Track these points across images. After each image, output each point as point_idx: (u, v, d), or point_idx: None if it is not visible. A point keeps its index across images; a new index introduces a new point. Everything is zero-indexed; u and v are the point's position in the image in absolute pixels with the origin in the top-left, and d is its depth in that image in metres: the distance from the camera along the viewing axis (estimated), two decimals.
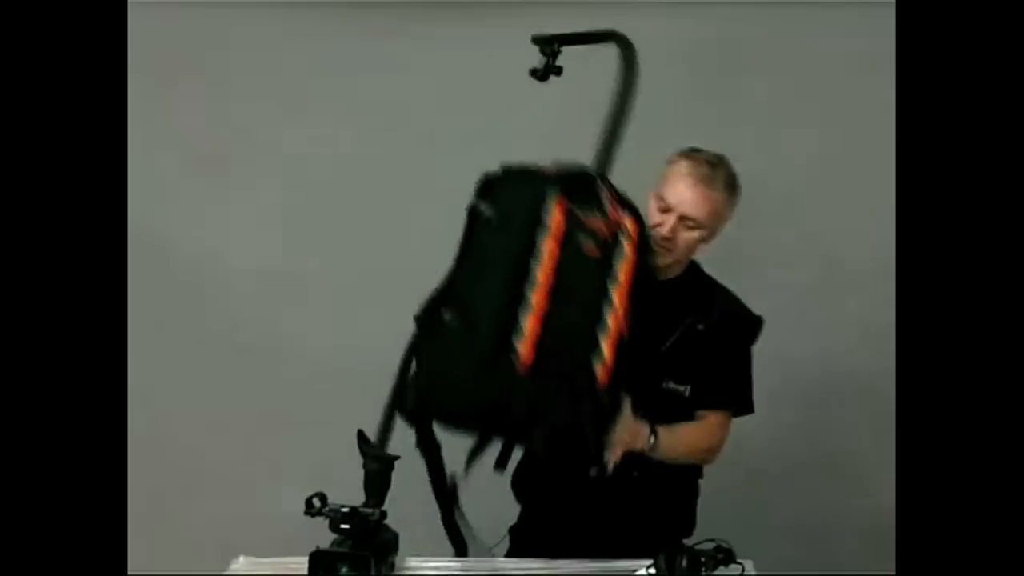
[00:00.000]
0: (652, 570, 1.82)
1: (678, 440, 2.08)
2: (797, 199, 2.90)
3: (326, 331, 2.98)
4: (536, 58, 2.89)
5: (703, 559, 1.79)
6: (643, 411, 2.02)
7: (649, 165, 2.90)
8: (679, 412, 2.11)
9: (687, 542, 1.84)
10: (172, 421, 3.00)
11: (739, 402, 2.18)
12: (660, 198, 2.07)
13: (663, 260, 2.07)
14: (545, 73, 2.12)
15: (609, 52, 2.90)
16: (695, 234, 2.07)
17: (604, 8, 2.85)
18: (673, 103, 2.89)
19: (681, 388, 2.10)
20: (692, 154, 2.10)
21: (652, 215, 2.07)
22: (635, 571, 1.88)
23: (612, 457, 1.95)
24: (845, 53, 2.84)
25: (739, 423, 3.07)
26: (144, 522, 2.56)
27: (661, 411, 2.07)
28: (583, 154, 2.91)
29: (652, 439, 2.03)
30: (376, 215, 2.93)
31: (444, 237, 2.94)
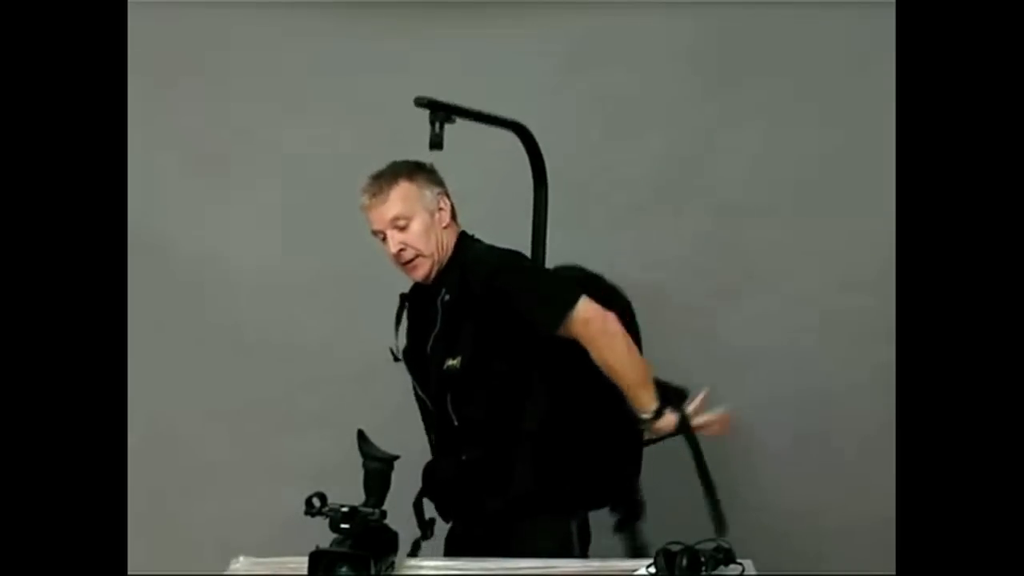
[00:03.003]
0: (652, 569, 1.82)
1: (623, 373, 2.04)
2: (797, 199, 2.90)
3: (326, 331, 2.98)
4: (536, 60, 2.91)
5: (703, 559, 1.79)
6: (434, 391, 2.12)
7: (650, 165, 2.92)
8: (466, 386, 2.11)
9: (687, 542, 1.83)
10: (172, 421, 3.00)
11: (560, 301, 2.05)
12: (375, 234, 2.17)
13: (420, 271, 2.16)
14: (433, 143, 2.15)
15: (609, 51, 2.91)
16: (415, 224, 2.14)
17: (604, 8, 2.86)
18: (673, 103, 2.90)
19: (454, 363, 2.10)
20: (363, 187, 2.18)
21: (387, 252, 2.17)
22: (635, 571, 1.88)
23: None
24: (845, 53, 2.84)
25: (739, 424, 3.08)
26: (144, 522, 2.56)
27: (455, 391, 2.11)
28: (583, 152, 2.92)
29: (668, 412, 2.06)
30: None
31: None
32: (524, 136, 2.29)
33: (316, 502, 1.86)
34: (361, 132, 2.89)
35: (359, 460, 1.93)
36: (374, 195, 2.14)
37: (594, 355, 2.04)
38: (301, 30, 2.89)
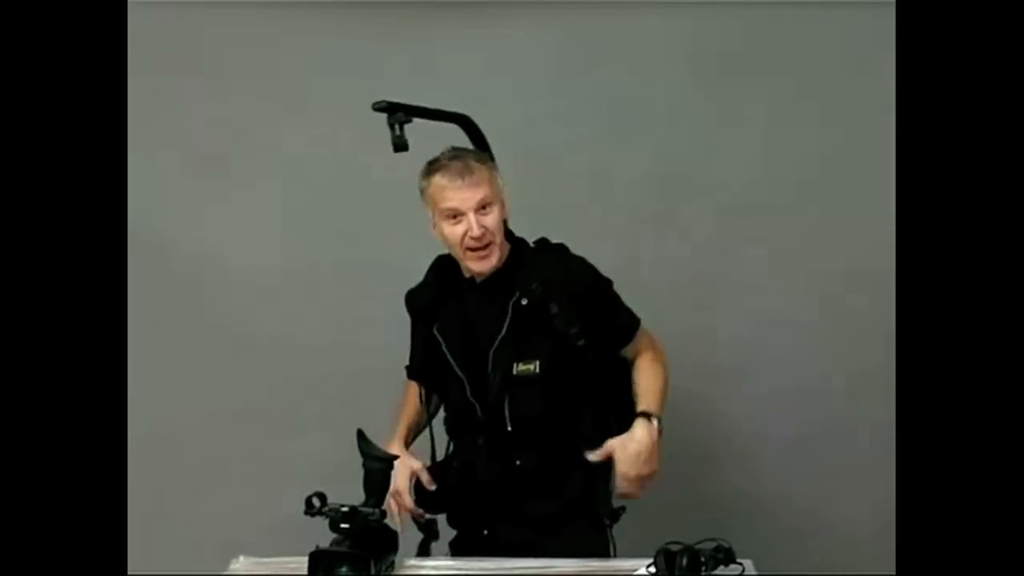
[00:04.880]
0: (652, 569, 1.82)
1: (654, 382, 2.15)
2: (797, 199, 2.90)
3: (326, 331, 2.98)
4: (535, 61, 2.91)
5: (703, 559, 1.79)
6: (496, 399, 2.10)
7: (649, 165, 2.92)
8: (533, 391, 2.10)
9: (687, 542, 1.83)
10: (172, 421, 3.00)
11: (632, 321, 2.21)
12: (447, 215, 2.09)
13: (493, 259, 2.11)
14: (396, 146, 2.15)
15: (608, 51, 2.91)
16: (495, 211, 2.10)
17: (604, 8, 2.86)
18: (673, 103, 2.90)
19: (530, 367, 2.10)
20: (436, 166, 2.12)
21: (450, 236, 2.10)
22: (635, 571, 1.88)
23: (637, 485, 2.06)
24: (845, 53, 2.84)
25: (739, 424, 3.09)
26: (144, 522, 2.56)
27: (516, 395, 2.10)
28: (581, 152, 2.92)
29: (655, 420, 2.08)
30: (376, 215, 2.93)
31: None
32: (468, 128, 2.28)
33: (316, 502, 1.86)
34: (361, 132, 2.89)
35: (359, 460, 1.93)
36: (463, 175, 2.07)
37: (645, 363, 2.17)
38: (301, 30, 2.89)
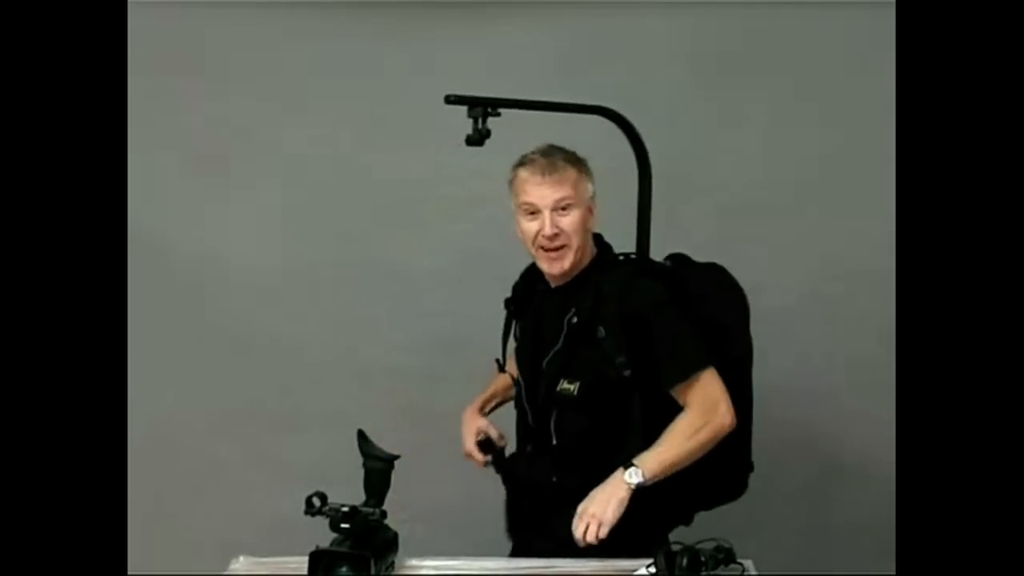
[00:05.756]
0: (652, 569, 1.82)
1: (669, 442, 1.97)
2: (797, 199, 2.90)
3: (326, 331, 2.99)
4: (540, 58, 2.91)
5: (703, 559, 1.79)
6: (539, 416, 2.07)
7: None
8: (573, 411, 2.06)
9: (687, 542, 1.83)
10: (172, 421, 3.00)
11: (689, 361, 2.01)
12: (525, 210, 2.06)
13: (565, 262, 2.05)
14: (478, 139, 2.10)
15: (608, 51, 2.91)
16: (575, 214, 2.04)
17: (604, 8, 2.86)
18: (673, 103, 2.90)
19: (571, 387, 2.05)
20: (523, 160, 2.10)
21: (526, 231, 2.07)
22: (635, 571, 1.88)
23: (585, 528, 1.91)
24: (845, 53, 2.84)
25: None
26: (144, 522, 2.56)
27: (553, 414, 2.07)
28: (581, 152, 2.91)
29: (632, 473, 1.93)
30: (376, 215, 2.93)
31: (444, 237, 2.96)
32: (620, 122, 2.23)
33: (316, 502, 1.86)
34: (361, 132, 2.90)
35: (359, 460, 1.93)
36: (547, 171, 2.03)
37: (682, 421, 1.98)
38: (301, 30, 2.89)
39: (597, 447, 2.05)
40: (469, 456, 2.22)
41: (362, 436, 1.94)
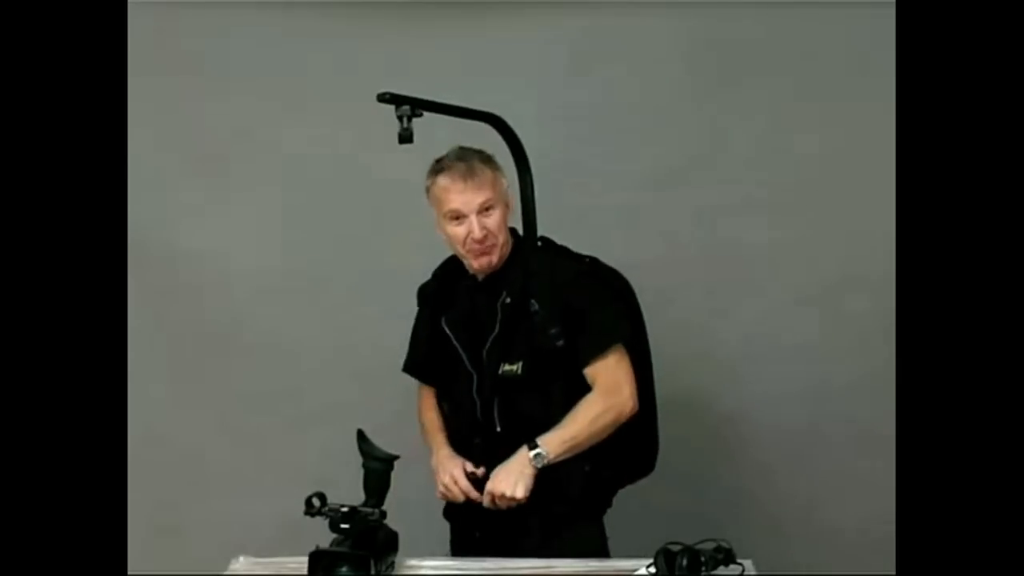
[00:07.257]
0: (652, 569, 1.82)
1: (572, 425, 2.05)
2: (797, 199, 2.90)
3: (326, 331, 2.98)
4: (535, 59, 2.91)
5: (703, 559, 1.79)
6: (486, 399, 2.11)
7: (649, 164, 2.92)
8: (517, 393, 2.10)
9: (687, 542, 1.83)
10: (172, 421, 2.99)
11: (603, 336, 2.10)
12: (450, 216, 2.11)
13: (494, 257, 2.13)
14: (401, 138, 2.07)
15: (609, 51, 2.91)
16: (497, 213, 2.12)
17: (604, 8, 2.86)
18: (673, 103, 2.90)
19: (513, 367, 2.10)
20: (440, 167, 2.14)
21: (453, 237, 2.12)
22: (635, 571, 1.88)
23: (492, 502, 2.04)
24: (845, 53, 2.84)
25: (740, 425, 3.07)
26: (144, 522, 2.56)
27: (505, 396, 2.10)
28: (582, 152, 2.91)
29: (537, 454, 2.02)
30: (376, 215, 2.93)
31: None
32: (500, 126, 2.27)
33: (316, 502, 1.86)
34: (361, 132, 2.89)
35: (359, 460, 1.93)
36: (466, 177, 2.09)
37: (586, 404, 2.06)
38: (301, 30, 2.89)
39: (543, 427, 2.07)
40: (466, 495, 2.12)
41: (362, 436, 1.94)
